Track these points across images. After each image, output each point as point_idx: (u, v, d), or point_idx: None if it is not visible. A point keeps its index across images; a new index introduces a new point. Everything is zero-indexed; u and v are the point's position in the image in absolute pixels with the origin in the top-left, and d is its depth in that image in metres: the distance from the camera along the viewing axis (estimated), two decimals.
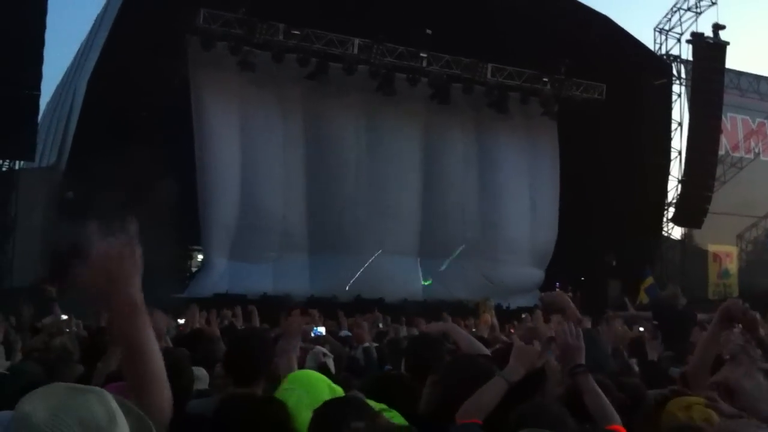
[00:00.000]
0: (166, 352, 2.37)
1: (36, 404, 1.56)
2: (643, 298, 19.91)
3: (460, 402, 3.18)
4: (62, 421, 1.52)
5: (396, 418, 3.12)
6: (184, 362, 3.82)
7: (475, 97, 23.88)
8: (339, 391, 3.40)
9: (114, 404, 1.62)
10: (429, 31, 21.26)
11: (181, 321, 10.57)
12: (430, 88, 23.24)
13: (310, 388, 3.23)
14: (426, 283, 23.21)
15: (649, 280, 22.72)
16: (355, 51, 21.65)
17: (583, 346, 3.44)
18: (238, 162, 21.49)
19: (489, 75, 23.25)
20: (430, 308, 17.94)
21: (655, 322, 9.07)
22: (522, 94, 24.07)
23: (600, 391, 3.28)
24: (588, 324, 4.46)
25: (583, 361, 3.40)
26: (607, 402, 3.24)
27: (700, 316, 11.19)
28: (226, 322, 10.19)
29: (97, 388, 1.66)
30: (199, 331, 7.72)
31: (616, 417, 3.20)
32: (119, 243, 2.10)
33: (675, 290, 10.32)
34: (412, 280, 23.37)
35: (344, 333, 9.38)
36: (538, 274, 25.28)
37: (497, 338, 7.65)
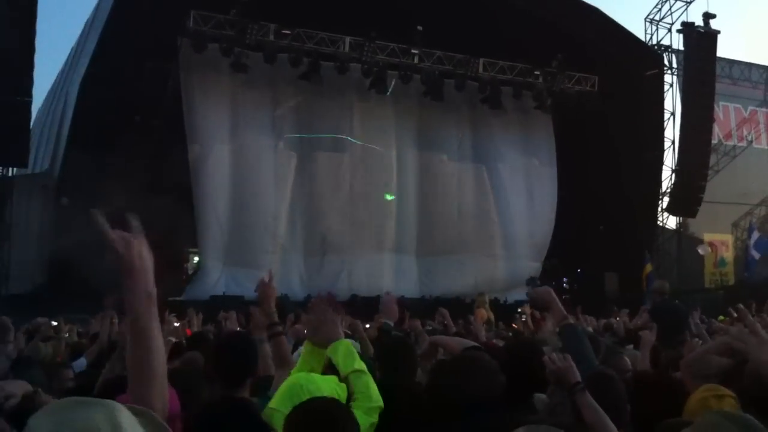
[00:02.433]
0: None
1: (42, 419, 1.57)
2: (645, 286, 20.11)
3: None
4: None
5: (357, 411, 3.17)
6: None
7: (469, 92, 23.88)
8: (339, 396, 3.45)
9: (123, 417, 1.60)
10: (420, 28, 21.25)
11: (177, 324, 10.57)
12: (422, 85, 23.23)
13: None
14: None
15: (649, 267, 22.89)
16: (347, 49, 21.63)
17: (572, 365, 3.50)
18: (230, 163, 21.47)
19: (481, 70, 23.24)
20: (428, 306, 17.97)
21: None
22: (515, 88, 24.08)
23: (597, 406, 3.35)
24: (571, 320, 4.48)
25: (578, 379, 3.46)
26: (605, 416, 3.33)
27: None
28: (227, 324, 10.23)
29: (107, 401, 1.65)
30: (200, 334, 7.75)
31: (613, 428, 3.30)
32: (134, 236, 2.16)
33: (662, 284, 10.37)
34: (409, 278, 23.37)
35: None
36: (535, 268, 25.30)
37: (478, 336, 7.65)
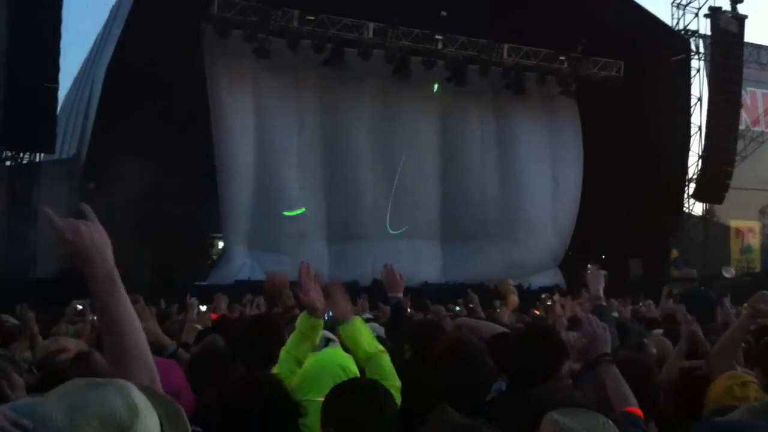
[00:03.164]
0: None
1: (54, 404, 1.54)
2: (673, 271, 19.97)
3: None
4: (80, 420, 1.50)
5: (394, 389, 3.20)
6: None
7: (492, 78, 23.78)
8: (352, 372, 3.49)
9: (138, 397, 1.59)
10: (444, 13, 21.15)
11: (203, 308, 10.68)
12: (446, 71, 23.15)
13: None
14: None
15: (674, 253, 22.72)
16: (370, 35, 21.59)
17: (608, 336, 3.53)
18: (254, 149, 21.56)
19: (505, 55, 23.12)
20: (451, 291, 17.97)
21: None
22: (539, 73, 23.92)
23: (622, 379, 3.35)
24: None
25: (608, 350, 3.48)
26: (627, 388, 3.31)
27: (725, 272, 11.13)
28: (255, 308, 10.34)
29: (120, 381, 1.63)
30: (225, 318, 7.82)
31: (635, 402, 3.27)
32: (84, 222, 2.08)
33: (688, 272, 10.29)
34: (433, 264, 23.37)
35: (366, 316, 9.51)
36: (559, 254, 25.25)
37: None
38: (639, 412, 3.15)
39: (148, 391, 1.69)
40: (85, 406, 1.52)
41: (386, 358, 3.43)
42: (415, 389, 3.40)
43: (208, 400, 3.32)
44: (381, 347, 3.47)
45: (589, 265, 4.18)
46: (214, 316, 8.71)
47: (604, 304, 4.48)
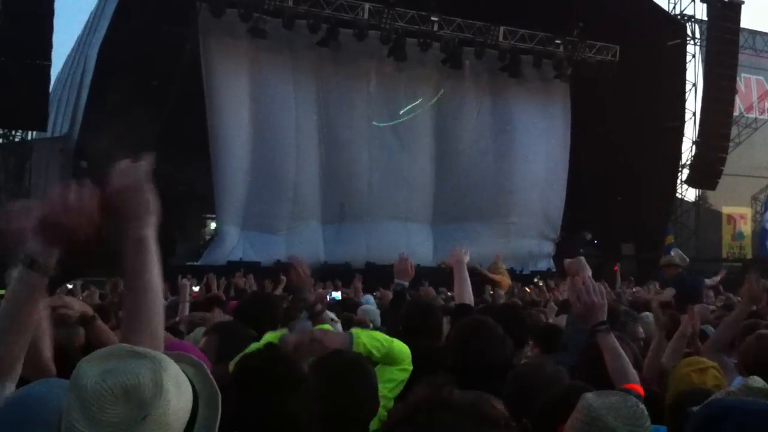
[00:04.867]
0: None
1: (92, 365, 1.57)
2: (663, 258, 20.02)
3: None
4: (106, 386, 1.53)
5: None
6: None
7: (488, 61, 23.70)
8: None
9: (168, 376, 1.59)
10: None
11: (196, 288, 10.71)
12: (442, 53, 23.08)
13: None
14: None
15: (671, 238, 22.80)
16: (366, 16, 21.48)
17: (605, 303, 3.44)
18: (249, 130, 21.46)
19: (501, 38, 23.04)
20: (444, 274, 17.99)
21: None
22: (534, 57, 23.85)
23: (621, 350, 3.27)
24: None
25: (605, 318, 3.38)
26: (627, 361, 3.23)
27: (707, 282, 11.35)
28: (245, 287, 10.38)
29: (159, 355, 1.63)
30: (216, 297, 7.87)
31: (635, 376, 3.20)
32: (137, 178, 2.14)
33: (672, 258, 10.37)
34: (426, 247, 23.38)
35: (364, 299, 9.59)
36: (551, 238, 25.29)
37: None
38: (639, 389, 3.06)
39: (199, 368, 1.71)
40: (116, 372, 1.55)
41: (396, 345, 3.48)
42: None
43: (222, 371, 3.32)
44: (387, 341, 3.48)
45: (566, 260, 4.17)
46: (194, 295, 8.77)
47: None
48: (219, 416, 1.67)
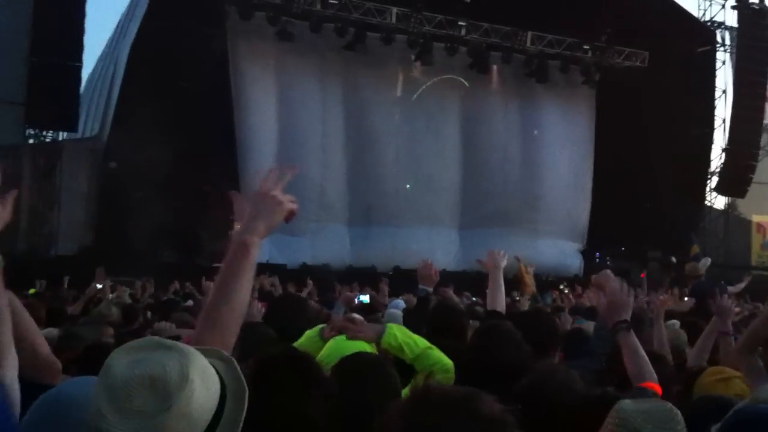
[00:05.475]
0: None
1: (121, 357, 1.61)
2: (689, 267, 19.77)
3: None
4: (133, 376, 1.56)
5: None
6: None
7: (515, 66, 23.65)
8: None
9: (194, 370, 1.60)
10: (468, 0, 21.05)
11: None
12: (468, 57, 23.05)
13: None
14: None
15: (695, 249, 22.50)
16: (393, 20, 21.52)
17: (631, 303, 3.42)
18: (276, 132, 21.58)
19: (528, 43, 22.98)
20: (470, 279, 17.95)
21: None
22: (562, 62, 23.76)
23: (640, 349, 3.25)
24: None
25: (628, 318, 3.36)
26: (646, 360, 3.21)
27: (730, 289, 11.24)
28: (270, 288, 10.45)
29: (188, 349, 1.65)
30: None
31: (653, 375, 3.17)
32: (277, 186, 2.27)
33: (693, 265, 10.31)
34: (452, 252, 23.34)
35: (393, 303, 9.56)
36: (578, 244, 25.15)
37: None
38: (656, 388, 3.04)
39: (229, 363, 1.72)
40: (144, 363, 1.58)
41: (435, 353, 3.44)
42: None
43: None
44: (423, 344, 3.47)
45: (593, 276, 4.16)
46: None
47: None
48: (245, 411, 1.68)
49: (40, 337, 2.56)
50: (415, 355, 3.39)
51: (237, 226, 2.18)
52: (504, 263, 5.63)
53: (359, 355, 3.12)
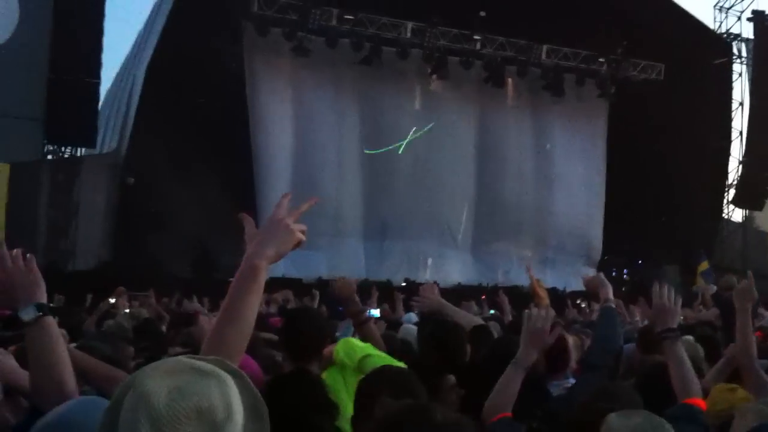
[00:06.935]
0: None
1: (158, 382, 1.53)
2: (699, 282, 19.50)
3: None
4: (180, 408, 1.50)
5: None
6: None
7: (530, 79, 23.67)
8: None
9: (233, 392, 1.58)
10: (483, 13, 21.10)
11: None
12: (484, 71, 23.08)
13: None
14: None
15: (704, 265, 22.24)
16: (408, 35, 21.61)
17: (678, 311, 3.37)
18: (292, 147, 21.71)
19: (544, 56, 22.99)
20: (485, 293, 17.94)
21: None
22: (578, 75, 23.74)
23: (687, 361, 3.16)
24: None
25: (675, 326, 3.31)
26: (693, 373, 3.12)
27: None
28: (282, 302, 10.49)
29: (222, 373, 1.60)
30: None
31: (698, 389, 3.08)
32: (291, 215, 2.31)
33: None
34: (467, 266, 23.33)
35: (406, 317, 9.61)
36: (594, 258, 25.05)
37: None
38: (701, 404, 2.96)
39: (240, 378, 1.67)
40: (186, 393, 1.51)
41: (374, 360, 3.64)
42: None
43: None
44: (364, 353, 3.73)
45: (584, 279, 4.17)
46: None
47: (614, 306, 4.37)
48: (268, 429, 1.65)
49: (70, 373, 2.51)
50: (354, 363, 3.61)
51: (247, 248, 2.20)
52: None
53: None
